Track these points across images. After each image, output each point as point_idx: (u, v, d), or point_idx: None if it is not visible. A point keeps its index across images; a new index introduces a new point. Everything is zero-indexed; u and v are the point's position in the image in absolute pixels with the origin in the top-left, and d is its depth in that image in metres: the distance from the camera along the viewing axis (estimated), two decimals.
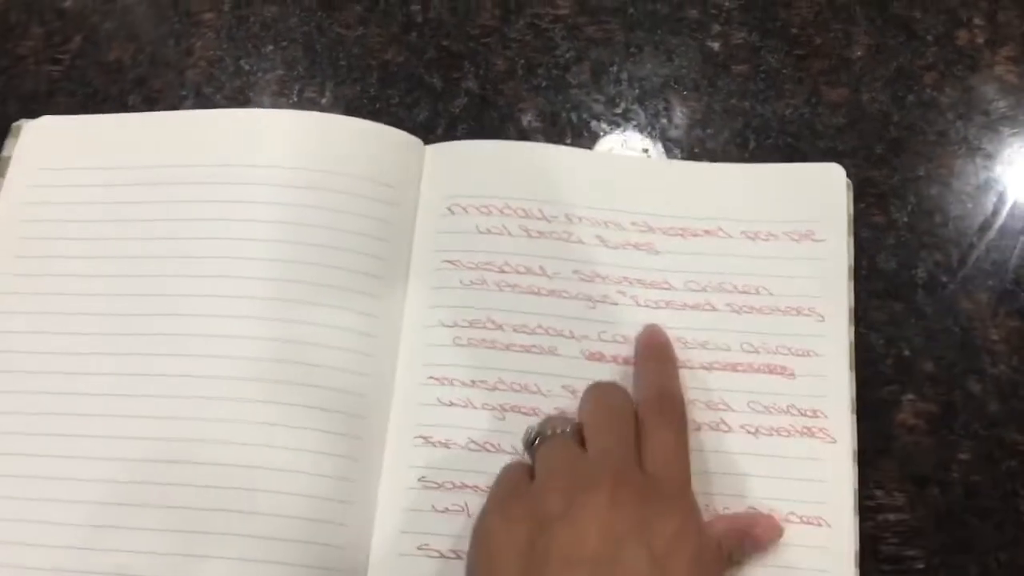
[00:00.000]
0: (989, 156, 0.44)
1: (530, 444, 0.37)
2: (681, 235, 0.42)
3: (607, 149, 0.45)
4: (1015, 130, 0.44)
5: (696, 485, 0.36)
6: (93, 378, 0.40)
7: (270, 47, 0.48)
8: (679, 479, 0.35)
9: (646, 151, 0.45)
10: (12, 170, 0.44)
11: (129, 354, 0.40)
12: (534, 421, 0.38)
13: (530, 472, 0.36)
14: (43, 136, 0.45)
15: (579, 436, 0.36)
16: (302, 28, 0.48)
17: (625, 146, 0.45)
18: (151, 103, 0.47)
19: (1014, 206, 0.43)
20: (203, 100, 0.47)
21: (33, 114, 0.45)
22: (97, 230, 0.42)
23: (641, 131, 0.46)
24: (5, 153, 0.44)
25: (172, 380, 0.39)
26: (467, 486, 0.38)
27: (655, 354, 0.39)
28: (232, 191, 0.42)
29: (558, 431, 0.36)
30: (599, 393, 0.38)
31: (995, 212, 0.43)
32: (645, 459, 0.35)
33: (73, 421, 0.39)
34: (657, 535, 0.32)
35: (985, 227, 0.43)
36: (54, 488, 0.38)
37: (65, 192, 0.43)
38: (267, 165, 0.42)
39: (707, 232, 0.42)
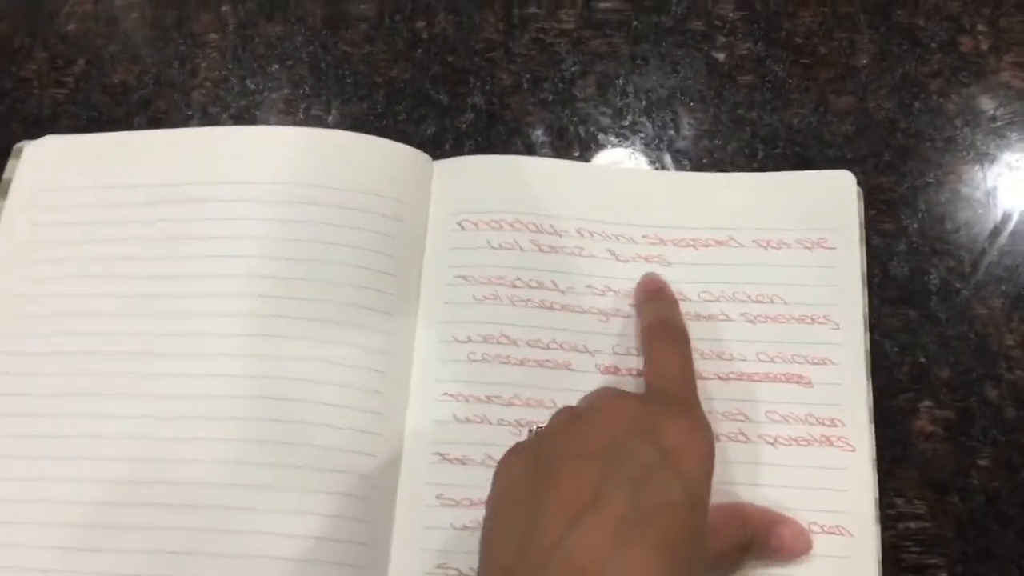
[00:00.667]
0: (997, 161, 0.44)
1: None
2: (692, 246, 0.42)
3: (615, 162, 0.45)
4: (1022, 135, 0.44)
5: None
6: (100, 398, 0.40)
7: (275, 66, 0.48)
8: (683, 392, 0.36)
9: (654, 163, 0.45)
10: (14, 192, 0.44)
11: (144, 374, 0.40)
12: None
13: None
14: (45, 157, 0.44)
15: None
16: (307, 47, 0.48)
17: (633, 158, 0.45)
18: (156, 124, 0.47)
19: None
20: (209, 120, 0.47)
21: (37, 137, 0.45)
22: (102, 250, 0.42)
23: (648, 143, 0.46)
24: (7, 175, 0.44)
25: (177, 394, 0.39)
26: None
27: (653, 295, 0.40)
28: (239, 208, 0.42)
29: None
30: (588, 395, 0.38)
31: (1005, 217, 0.43)
32: (648, 381, 0.37)
33: (83, 422, 0.39)
34: (664, 435, 0.32)
35: (996, 232, 0.43)
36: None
37: (68, 213, 0.43)
38: (273, 182, 0.42)
39: (719, 242, 0.42)
